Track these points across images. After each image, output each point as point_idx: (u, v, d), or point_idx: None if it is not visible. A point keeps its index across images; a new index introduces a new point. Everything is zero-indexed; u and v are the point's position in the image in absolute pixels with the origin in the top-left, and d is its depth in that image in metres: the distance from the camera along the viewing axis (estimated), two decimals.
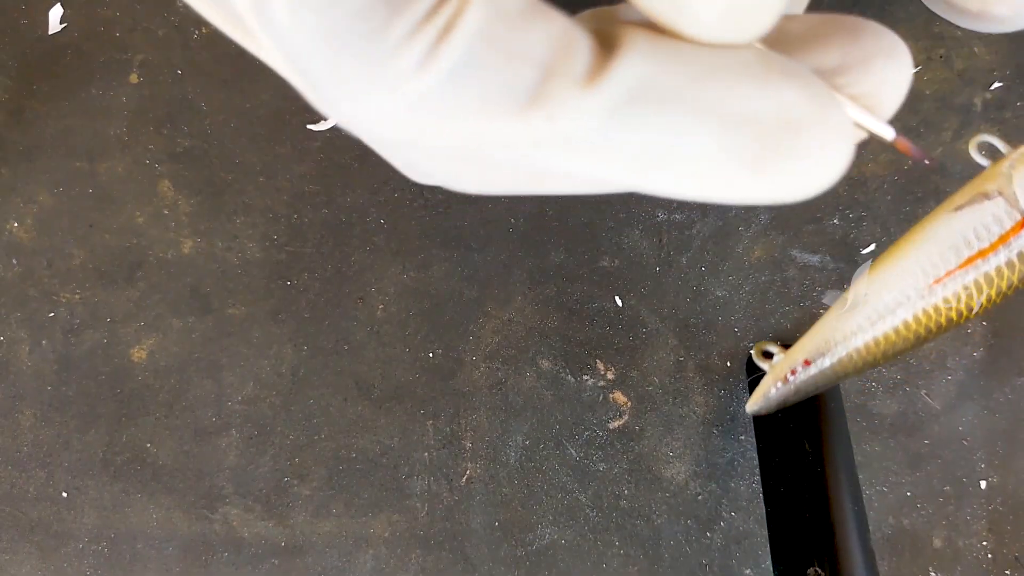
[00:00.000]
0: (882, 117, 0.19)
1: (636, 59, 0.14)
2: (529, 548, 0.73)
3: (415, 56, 0.12)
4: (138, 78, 0.70)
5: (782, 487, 0.62)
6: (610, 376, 0.71)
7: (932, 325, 0.30)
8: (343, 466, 0.73)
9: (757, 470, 0.70)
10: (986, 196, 0.28)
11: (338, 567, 0.74)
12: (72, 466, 0.74)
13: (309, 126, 0.69)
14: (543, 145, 0.14)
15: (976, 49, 0.69)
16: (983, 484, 0.70)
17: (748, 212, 0.69)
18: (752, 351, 0.34)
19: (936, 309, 0.30)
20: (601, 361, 0.71)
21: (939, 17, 0.66)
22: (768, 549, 0.64)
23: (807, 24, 0.19)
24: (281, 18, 0.12)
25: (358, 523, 0.74)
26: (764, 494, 0.65)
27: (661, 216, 0.70)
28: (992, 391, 0.70)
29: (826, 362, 0.33)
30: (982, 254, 0.28)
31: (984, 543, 0.70)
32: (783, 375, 0.34)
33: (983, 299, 0.29)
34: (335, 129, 0.70)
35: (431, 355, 0.72)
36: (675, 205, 0.70)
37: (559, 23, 0.14)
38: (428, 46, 0.12)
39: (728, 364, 0.71)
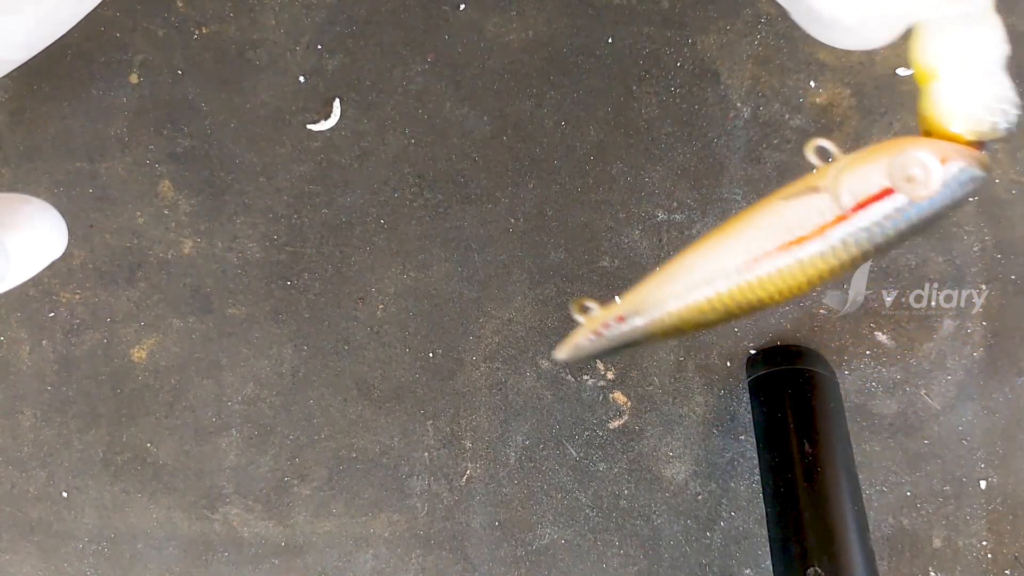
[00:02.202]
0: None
1: None
2: (529, 548, 0.73)
3: None
4: (138, 78, 0.70)
5: (782, 487, 0.62)
6: (610, 376, 0.71)
7: (743, 301, 0.32)
8: (343, 466, 0.73)
9: (757, 470, 0.70)
10: (814, 191, 0.31)
11: (338, 567, 0.74)
12: (72, 466, 0.74)
13: (309, 126, 0.69)
14: None
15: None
16: (983, 484, 0.70)
17: None
18: (571, 305, 0.36)
19: (749, 286, 0.32)
20: (601, 361, 0.71)
21: None
22: (768, 549, 0.64)
23: None
24: None
25: (358, 523, 0.74)
26: (764, 494, 0.65)
27: (661, 216, 0.70)
28: (991, 391, 0.70)
29: (638, 321, 0.34)
30: (799, 241, 0.31)
31: (984, 543, 0.70)
32: (596, 328, 0.36)
33: (793, 284, 0.31)
34: (335, 129, 0.70)
35: (431, 355, 0.72)
36: (675, 205, 0.70)
37: None
38: None
39: (728, 364, 0.71)
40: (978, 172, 0.29)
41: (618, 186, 0.69)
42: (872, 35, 0.31)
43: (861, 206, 0.30)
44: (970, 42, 0.29)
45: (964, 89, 0.29)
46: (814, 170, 0.32)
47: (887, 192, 0.30)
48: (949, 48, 0.29)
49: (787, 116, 0.68)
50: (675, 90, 0.68)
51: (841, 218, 0.30)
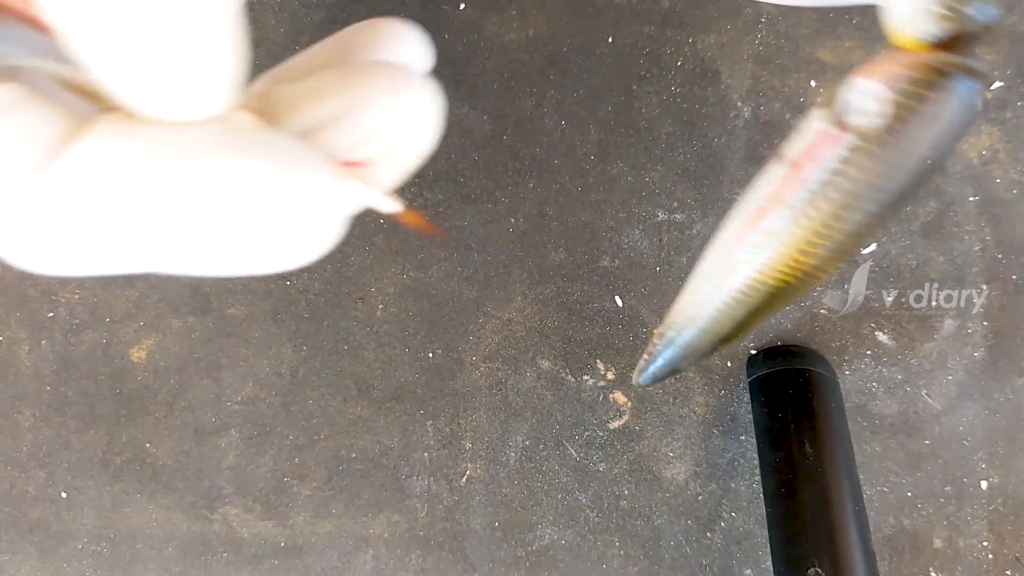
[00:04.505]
0: (406, 154, 0.19)
1: (94, 139, 0.16)
2: (529, 548, 0.73)
3: None
4: None
5: (782, 487, 0.62)
6: (610, 376, 0.71)
7: (763, 290, 0.29)
8: (343, 466, 0.73)
9: (757, 470, 0.70)
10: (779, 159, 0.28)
11: (338, 567, 0.74)
12: (72, 466, 0.74)
13: None
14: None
15: (976, 49, 0.68)
16: (983, 484, 0.70)
17: None
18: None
19: (760, 276, 0.29)
20: (601, 361, 0.71)
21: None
22: (768, 549, 0.63)
23: (305, 84, 0.19)
24: None
25: (358, 523, 0.73)
26: (764, 494, 0.65)
27: (661, 216, 0.69)
28: (992, 391, 0.70)
29: (670, 333, 0.34)
30: (760, 211, 0.28)
31: (984, 543, 0.70)
32: (648, 349, 0.35)
33: (782, 260, 0.28)
34: None
35: (431, 355, 0.72)
36: (675, 205, 0.69)
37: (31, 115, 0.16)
38: None
39: (728, 364, 0.71)
40: (962, 82, 0.23)
41: (618, 186, 0.69)
42: None
43: (802, 160, 0.26)
44: None
45: None
46: None
47: (827, 136, 0.25)
48: None
49: (788, 116, 0.67)
50: (676, 89, 0.68)
51: (789, 176, 0.26)
